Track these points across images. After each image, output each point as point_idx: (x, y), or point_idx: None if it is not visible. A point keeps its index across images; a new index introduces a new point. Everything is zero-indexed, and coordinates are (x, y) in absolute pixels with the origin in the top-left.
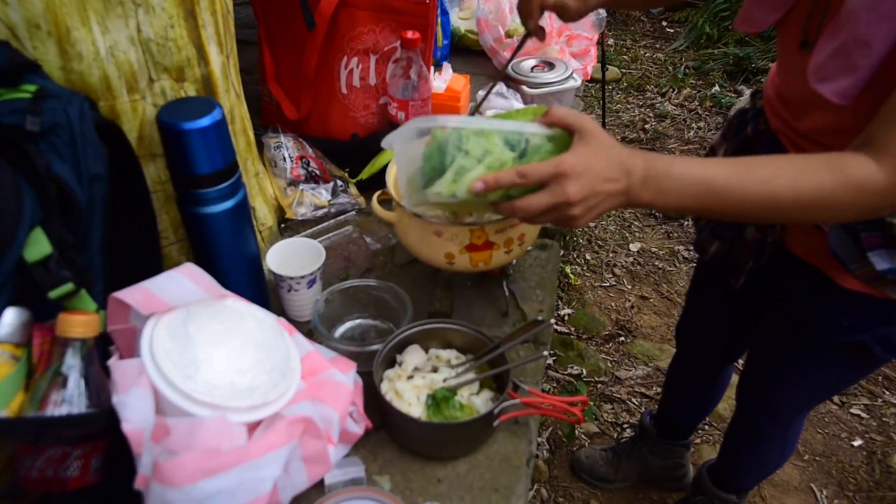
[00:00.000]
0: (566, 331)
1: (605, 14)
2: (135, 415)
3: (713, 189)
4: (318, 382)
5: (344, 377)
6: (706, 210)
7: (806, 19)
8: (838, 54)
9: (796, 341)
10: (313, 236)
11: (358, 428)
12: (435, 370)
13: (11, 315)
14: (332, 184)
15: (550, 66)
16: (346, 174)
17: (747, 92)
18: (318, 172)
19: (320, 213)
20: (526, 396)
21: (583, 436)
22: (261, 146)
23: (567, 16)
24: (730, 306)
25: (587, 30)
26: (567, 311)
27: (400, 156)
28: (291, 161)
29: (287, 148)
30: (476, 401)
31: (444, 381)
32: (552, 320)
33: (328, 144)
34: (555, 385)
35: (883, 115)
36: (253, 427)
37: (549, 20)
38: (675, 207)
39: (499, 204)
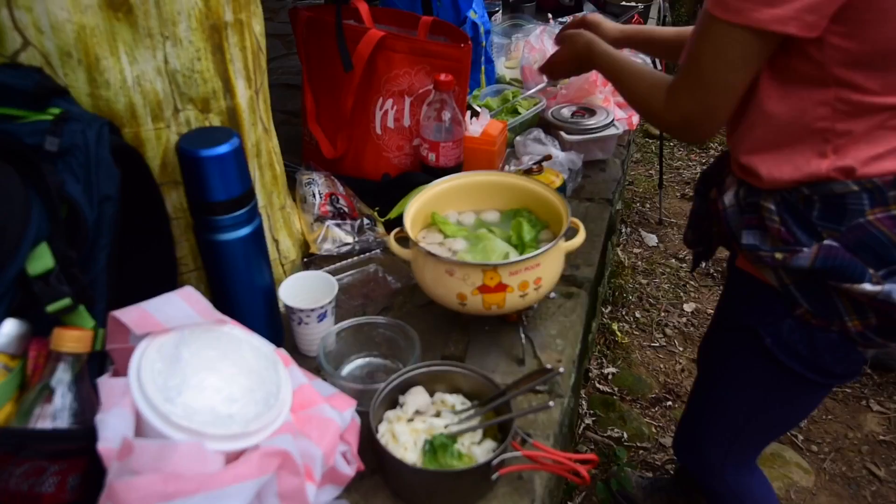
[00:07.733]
0: (608, 390)
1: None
2: (112, 434)
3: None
4: (305, 416)
5: (334, 413)
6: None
7: None
8: None
9: (711, 342)
10: (335, 272)
11: (349, 469)
12: (438, 415)
13: (9, 326)
14: (358, 221)
15: (591, 112)
16: (376, 213)
17: None
18: (346, 210)
19: (345, 249)
20: (530, 450)
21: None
22: (294, 183)
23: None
24: None
25: None
26: (611, 369)
27: None
28: (321, 197)
29: (318, 185)
30: (477, 451)
31: (446, 426)
32: (562, 368)
33: (360, 183)
34: (592, 447)
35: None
36: (233, 458)
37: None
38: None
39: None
